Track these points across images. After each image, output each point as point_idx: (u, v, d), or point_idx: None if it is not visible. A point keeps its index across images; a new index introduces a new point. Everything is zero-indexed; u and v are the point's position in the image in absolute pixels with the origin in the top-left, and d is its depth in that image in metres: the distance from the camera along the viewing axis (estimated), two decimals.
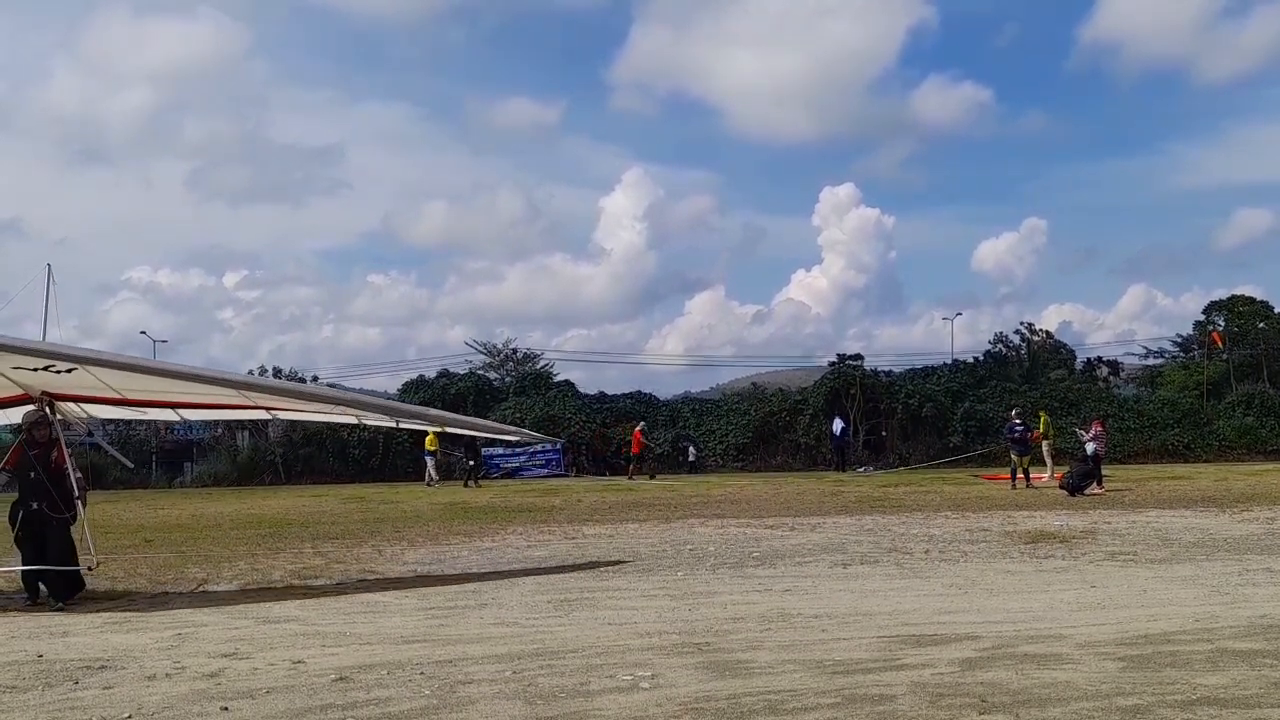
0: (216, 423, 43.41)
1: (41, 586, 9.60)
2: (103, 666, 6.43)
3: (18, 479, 9.79)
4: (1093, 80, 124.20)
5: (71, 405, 10.58)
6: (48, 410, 9.94)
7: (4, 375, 9.29)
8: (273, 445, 39.88)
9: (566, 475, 36.14)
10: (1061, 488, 20.67)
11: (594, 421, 40.03)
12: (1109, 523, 14.53)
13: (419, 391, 41.59)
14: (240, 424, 41.99)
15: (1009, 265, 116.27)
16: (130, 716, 5.22)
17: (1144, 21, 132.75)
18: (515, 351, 47.82)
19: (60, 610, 8.95)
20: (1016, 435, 23.02)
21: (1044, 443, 25.84)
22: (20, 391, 9.97)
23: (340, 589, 9.81)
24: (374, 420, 13.03)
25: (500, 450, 36.85)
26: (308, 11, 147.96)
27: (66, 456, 9.93)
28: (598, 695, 5.43)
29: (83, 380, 9.39)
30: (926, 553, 11.58)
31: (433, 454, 31.63)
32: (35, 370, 9.02)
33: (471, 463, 30.82)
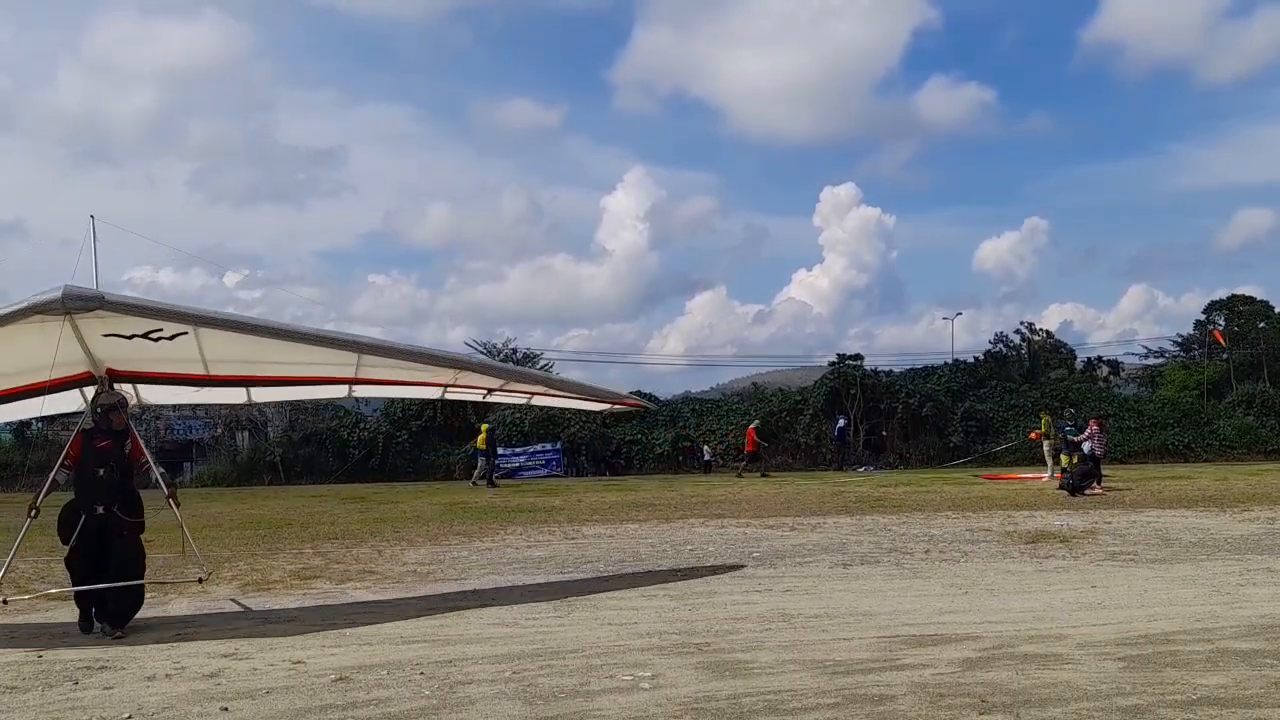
0: (216, 422, 43.47)
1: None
2: (103, 667, 6.44)
3: (79, 478, 7.98)
4: (1095, 81, 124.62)
5: (127, 385, 8.86)
6: (120, 391, 8.35)
7: (83, 346, 7.67)
8: (272, 445, 39.87)
9: (566, 475, 36.14)
10: (1061, 488, 20.66)
11: (593, 421, 40.00)
12: (1109, 522, 14.52)
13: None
14: (240, 424, 42.04)
15: (1010, 265, 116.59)
16: (130, 717, 5.23)
17: (1146, 22, 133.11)
18: (515, 351, 47.80)
19: (119, 639, 7.37)
20: (1064, 435, 22.65)
21: (1045, 443, 25.83)
22: (81, 370, 8.29)
23: (340, 589, 9.80)
24: (515, 394, 10.43)
25: (500, 451, 36.88)
26: (312, 13, 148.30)
27: (144, 449, 8.34)
28: (598, 695, 5.43)
29: (166, 352, 7.85)
30: (927, 553, 11.58)
31: (484, 452, 31.31)
32: (131, 338, 7.41)
33: (483, 460, 30.73)
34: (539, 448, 36.54)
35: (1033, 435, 28.29)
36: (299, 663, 6.37)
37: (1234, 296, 50.25)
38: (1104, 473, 21.57)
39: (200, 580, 8.76)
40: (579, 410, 12.14)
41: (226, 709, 5.34)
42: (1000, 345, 48.56)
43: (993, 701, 5.10)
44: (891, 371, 44.58)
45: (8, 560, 7.94)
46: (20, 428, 41.79)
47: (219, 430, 42.74)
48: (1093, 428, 22.23)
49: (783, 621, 7.61)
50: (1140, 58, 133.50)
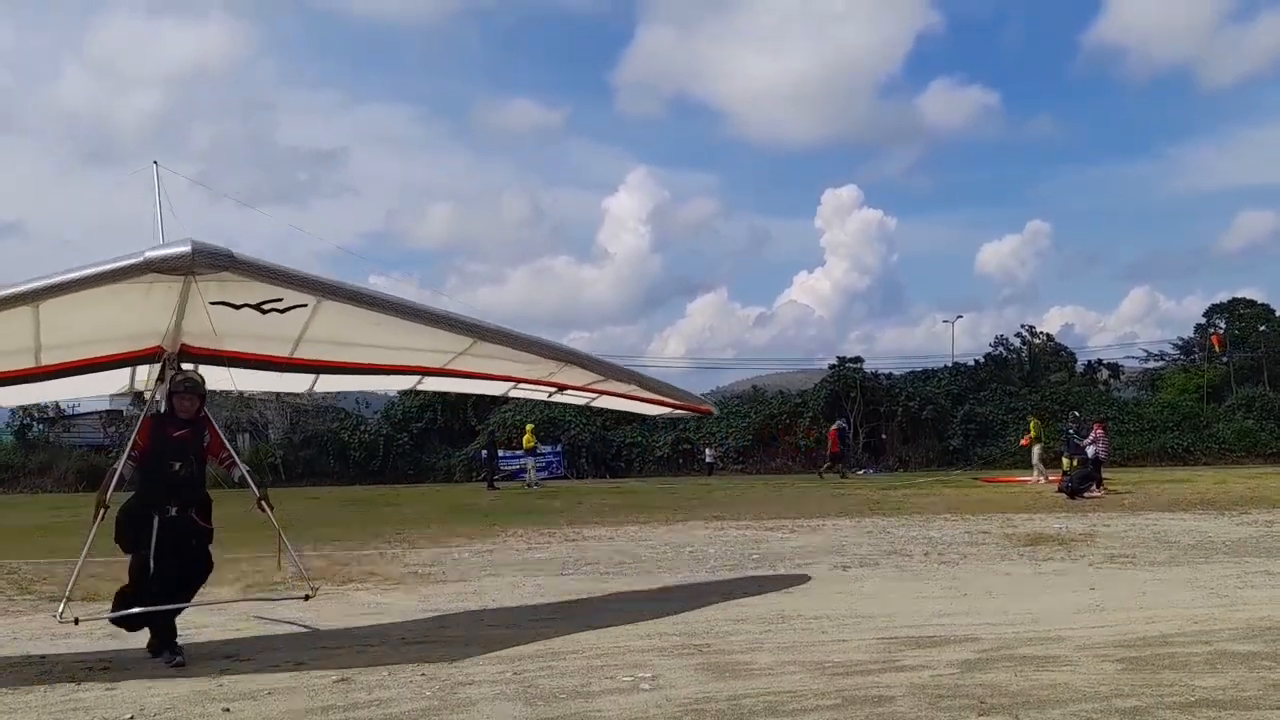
0: (217, 424, 43.48)
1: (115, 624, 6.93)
2: (105, 667, 6.46)
3: (147, 472, 6.81)
4: (1098, 84, 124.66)
5: (187, 365, 7.48)
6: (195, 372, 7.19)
7: (177, 314, 6.56)
8: (273, 447, 39.88)
9: (567, 478, 36.15)
10: (1061, 490, 20.68)
11: (594, 424, 40.03)
12: (1108, 525, 14.54)
13: (419, 394, 41.58)
14: (240, 426, 42.02)
15: (1011, 268, 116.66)
16: (132, 717, 5.24)
17: (1149, 26, 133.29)
18: None
19: (180, 665, 6.44)
20: (1068, 438, 22.61)
21: (1036, 446, 25.92)
22: (150, 344, 7.14)
23: (341, 591, 9.82)
24: (579, 394, 9.51)
25: (500, 453, 36.89)
26: (315, 14, 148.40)
27: (224, 441, 7.27)
28: (598, 696, 5.45)
29: (263, 327, 6.86)
30: (926, 555, 11.59)
31: (532, 453, 31.30)
32: (240, 308, 6.39)
33: (492, 465, 30.77)
34: (540, 450, 36.59)
35: (1024, 441, 28.31)
36: (300, 664, 6.38)
37: (1235, 300, 50.37)
38: (1104, 475, 21.61)
39: (306, 597, 7.40)
40: (634, 413, 10.81)
41: (228, 710, 5.36)
42: (1000, 348, 48.63)
43: (992, 703, 5.12)
44: (892, 375, 44.66)
45: (74, 574, 6.71)
46: (21, 429, 41.86)
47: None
48: (1097, 431, 22.29)
49: (782, 623, 7.63)
50: (1143, 61, 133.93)
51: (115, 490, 6.79)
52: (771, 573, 10.51)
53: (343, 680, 5.92)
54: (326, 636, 7.45)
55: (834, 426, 33.87)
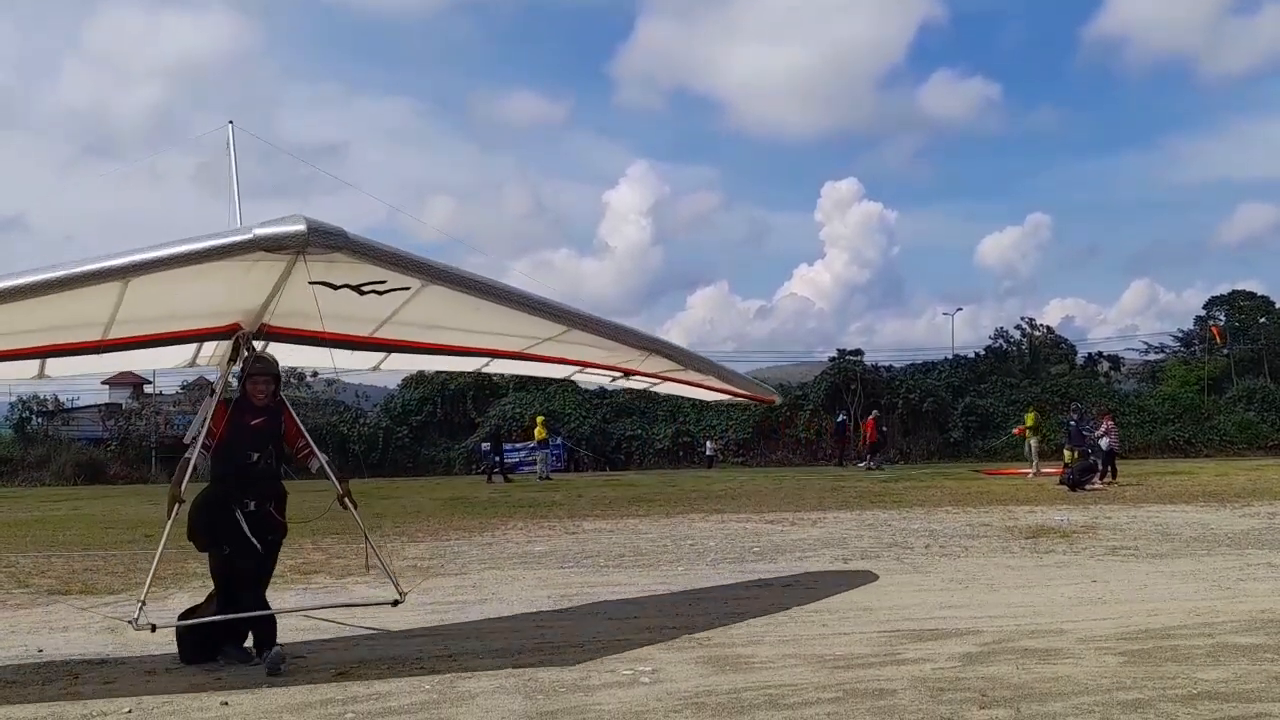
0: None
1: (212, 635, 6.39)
2: (103, 661, 6.44)
3: (222, 463, 6.32)
4: (1099, 76, 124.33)
5: (257, 343, 6.95)
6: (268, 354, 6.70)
7: (272, 294, 6.17)
8: None
9: (567, 471, 36.13)
10: (1062, 483, 20.67)
11: (594, 417, 40.01)
12: (1110, 518, 14.53)
13: (419, 387, 41.58)
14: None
15: (1012, 260, 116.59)
16: (131, 711, 5.23)
17: (1150, 18, 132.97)
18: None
19: (280, 672, 5.93)
20: (1071, 430, 22.53)
21: (1033, 439, 25.97)
22: (229, 321, 6.72)
23: (340, 584, 9.80)
24: (643, 379, 9.22)
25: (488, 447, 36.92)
26: (316, 7, 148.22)
27: (302, 429, 6.77)
28: (598, 690, 5.43)
29: (356, 308, 6.41)
30: (927, 548, 11.58)
31: (544, 445, 31.28)
32: (339, 288, 5.99)
33: (498, 457, 30.77)
34: (533, 444, 36.61)
35: (1017, 430, 28.39)
36: (300, 657, 6.36)
37: (1235, 292, 50.28)
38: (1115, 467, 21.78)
39: (395, 603, 6.73)
40: (693, 399, 10.25)
41: (227, 703, 5.34)
42: (1001, 341, 48.58)
43: (993, 696, 5.10)
44: (892, 367, 44.65)
45: (149, 576, 6.29)
46: (20, 422, 41.84)
47: None
48: (1108, 423, 22.32)
49: (783, 616, 7.61)
50: (1143, 53, 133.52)
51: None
52: (713, 558, 10.49)
53: (341, 674, 5.91)
54: (325, 630, 7.43)
55: (870, 416, 33.82)
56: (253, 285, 6.03)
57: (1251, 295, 49.81)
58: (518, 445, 36.74)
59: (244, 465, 6.29)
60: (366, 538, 6.91)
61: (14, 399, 42.37)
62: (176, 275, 5.35)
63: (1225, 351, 46.74)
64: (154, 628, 6.06)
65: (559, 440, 36.33)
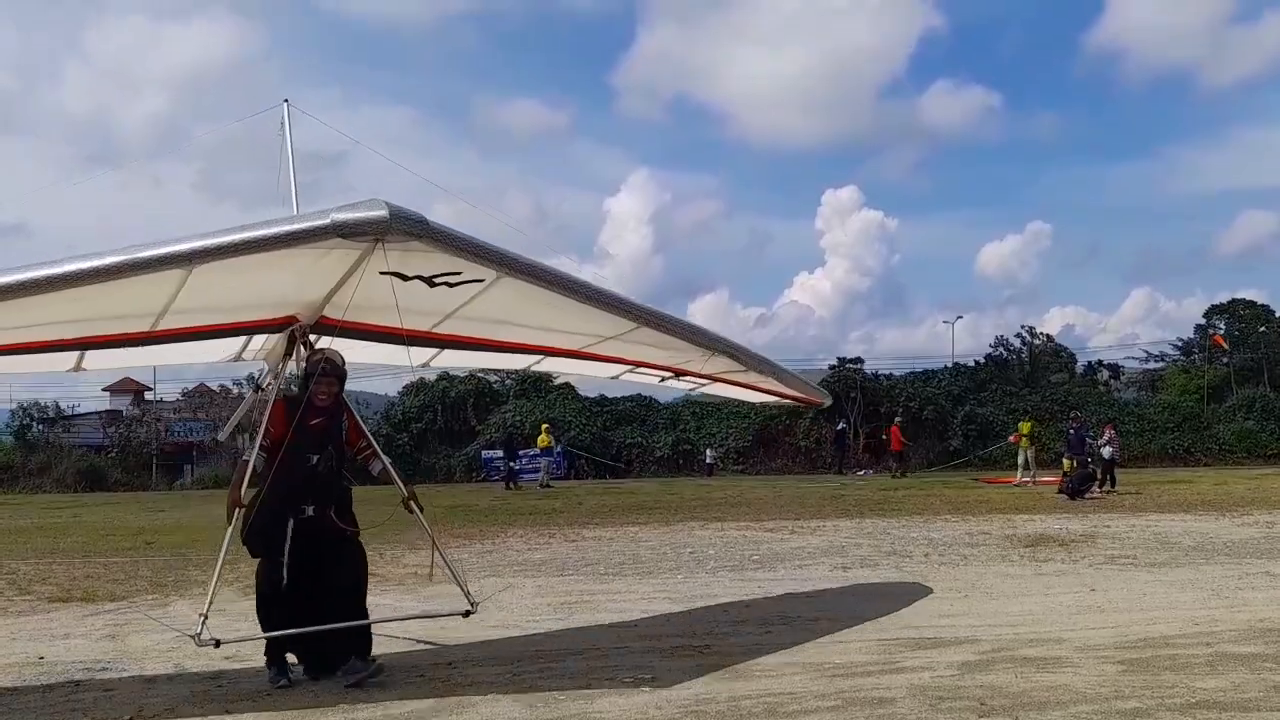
0: (217, 424, 43.43)
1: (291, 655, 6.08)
2: (104, 668, 6.45)
3: (280, 465, 5.93)
4: (1099, 85, 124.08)
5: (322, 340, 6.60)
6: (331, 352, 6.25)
7: (338, 284, 5.85)
8: None
9: (567, 478, 36.10)
10: (1061, 491, 20.68)
11: (594, 424, 40.02)
12: (1109, 526, 14.53)
13: (419, 394, 41.59)
14: (240, 427, 41.88)
15: (1012, 268, 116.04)
16: (132, 719, 5.24)
17: (1150, 27, 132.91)
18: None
19: (359, 684, 5.74)
20: (1070, 439, 22.46)
21: (1030, 449, 26.07)
22: (286, 313, 6.40)
23: None
24: (694, 379, 8.81)
25: (497, 454, 36.87)
26: (319, 15, 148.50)
27: (364, 429, 6.53)
28: (598, 698, 5.45)
29: (423, 301, 6.05)
30: (927, 556, 11.59)
31: (547, 452, 31.20)
32: (410, 279, 5.67)
33: (512, 464, 30.74)
34: (536, 451, 36.60)
35: (1012, 438, 28.47)
36: (299, 665, 6.36)
37: (1235, 300, 50.29)
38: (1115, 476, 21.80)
39: (467, 613, 6.46)
40: (739, 400, 9.55)
41: (228, 711, 5.35)
42: (1001, 349, 48.56)
43: (992, 704, 5.11)
44: (892, 375, 44.63)
45: (211, 586, 5.98)
46: (21, 429, 41.85)
47: (219, 432, 42.71)
48: (1109, 432, 22.35)
49: (782, 624, 7.62)
50: (1144, 61, 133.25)
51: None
52: (712, 566, 10.50)
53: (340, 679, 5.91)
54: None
55: (895, 422, 33.85)
56: (320, 275, 5.70)
57: (1251, 304, 49.81)
58: (520, 453, 36.73)
59: (303, 468, 5.91)
60: (435, 544, 6.62)
61: (14, 406, 42.43)
62: (245, 263, 5.01)
63: (1227, 360, 46.73)
64: (218, 643, 5.75)
65: (558, 448, 36.34)
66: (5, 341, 5.74)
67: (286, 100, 6.96)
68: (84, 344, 6.18)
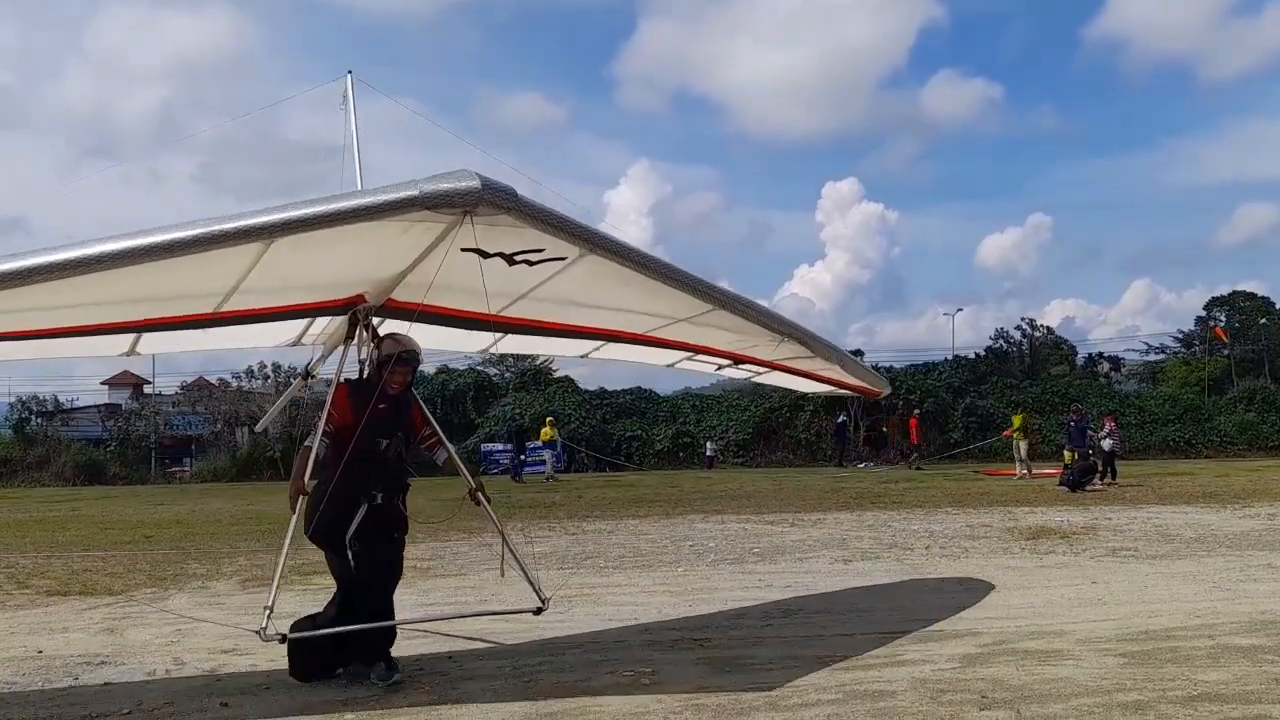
0: (216, 418, 43.45)
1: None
2: (102, 662, 6.43)
3: (346, 450, 5.68)
4: (1100, 77, 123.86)
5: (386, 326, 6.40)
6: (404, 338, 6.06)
7: (414, 261, 5.54)
8: (272, 441, 39.86)
9: (567, 472, 36.10)
10: (1062, 484, 20.67)
11: (594, 417, 40.01)
12: (1110, 519, 14.52)
13: (417, 387, 41.41)
14: (239, 420, 41.97)
15: (1013, 261, 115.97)
16: (130, 713, 5.22)
17: (1151, 18, 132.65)
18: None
19: (396, 684, 5.62)
20: (1071, 431, 22.42)
21: (1023, 442, 26.09)
22: (351, 293, 6.13)
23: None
24: (752, 367, 8.59)
25: (500, 446, 36.89)
26: (317, 10, 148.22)
27: (429, 416, 6.40)
28: (599, 692, 5.43)
29: (497, 280, 5.61)
30: (928, 549, 11.57)
31: (551, 445, 31.17)
32: (490, 257, 5.34)
33: (523, 456, 30.70)
34: (539, 444, 36.59)
35: (1006, 433, 28.52)
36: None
37: (1235, 293, 50.35)
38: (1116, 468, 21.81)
39: (538, 610, 6.31)
40: (785, 389, 10.25)
41: (226, 705, 5.34)
42: (1001, 341, 48.63)
43: (993, 697, 5.09)
44: (892, 368, 44.62)
45: (275, 579, 5.65)
46: (20, 423, 41.86)
47: (219, 426, 42.75)
48: (1109, 424, 22.34)
49: (783, 617, 7.61)
50: (1145, 53, 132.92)
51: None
52: (713, 559, 10.48)
53: (340, 675, 5.89)
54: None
55: (913, 414, 33.90)
56: (398, 251, 5.43)
57: (1252, 296, 49.88)
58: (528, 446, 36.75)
59: (371, 453, 5.70)
60: (504, 538, 6.39)
61: (13, 399, 42.44)
62: (324, 237, 4.74)
63: (1227, 352, 46.75)
64: (284, 638, 5.47)
65: (559, 441, 36.37)
66: (63, 323, 5.44)
67: (350, 72, 6.69)
68: (143, 326, 5.86)
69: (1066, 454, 21.97)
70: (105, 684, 5.86)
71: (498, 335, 7.37)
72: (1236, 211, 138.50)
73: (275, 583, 5.61)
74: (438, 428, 6.30)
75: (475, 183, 4.61)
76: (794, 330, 6.91)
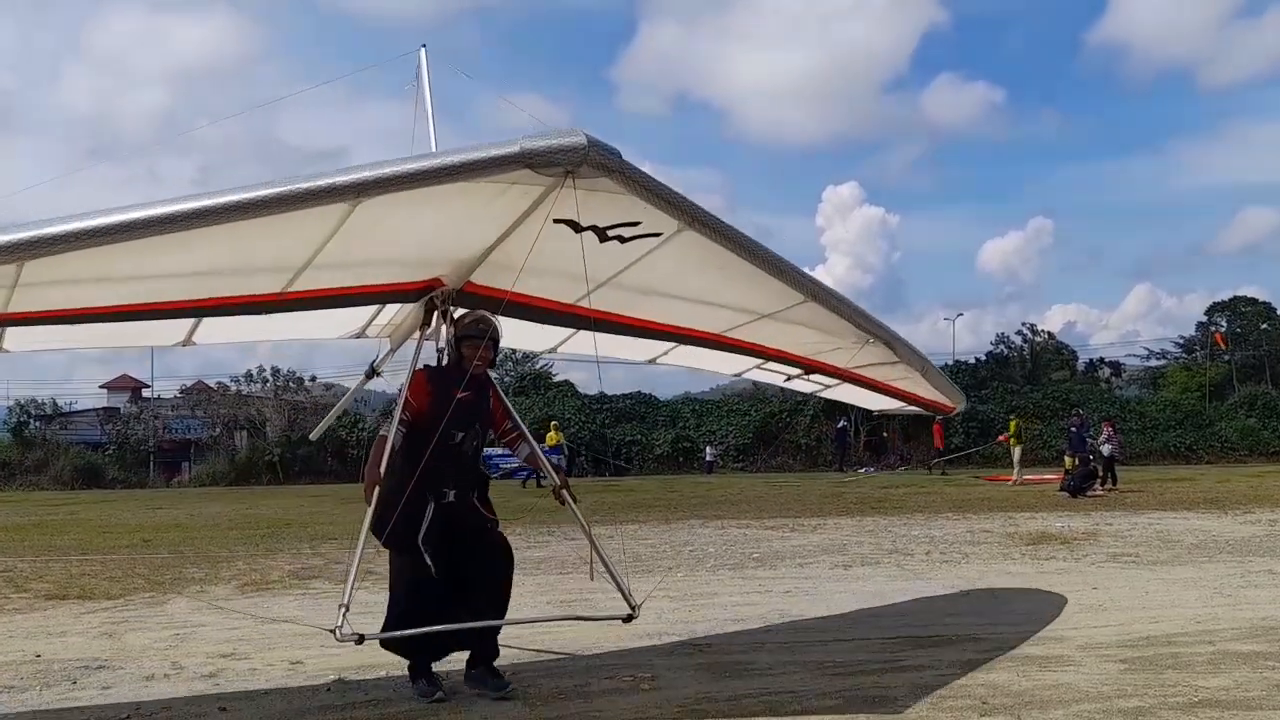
0: (214, 422, 43.46)
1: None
2: (100, 667, 6.41)
3: (421, 443, 5.28)
4: (1102, 81, 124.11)
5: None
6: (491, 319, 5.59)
7: (502, 234, 5.12)
8: (270, 445, 39.87)
9: (567, 476, 36.10)
10: (1063, 489, 20.66)
11: (594, 422, 40.03)
12: (1110, 524, 14.50)
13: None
14: (238, 424, 41.97)
15: (1014, 265, 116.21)
16: (129, 717, 5.21)
17: (1153, 23, 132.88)
18: (515, 351, 47.83)
19: (505, 695, 5.37)
20: (1072, 436, 22.38)
21: (1017, 448, 26.17)
22: (430, 275, 5.69)
23: (339, 589, 9.76)
24: (818, 382, 8.09)
25: (498, 451, 36.85)
26: (318, 13, 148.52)
27: (510, 408, 5.96)
28: (598, 697, 5.41)
29: (573, 262, 5.07)
30: (928, 554, 11.56)
31: (557, 449, 31.07)
32: (582, 230, 4.89)
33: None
34: (546, 448, 36.62)
35: (1000, 438, 28.62)
36: (298, 663, 6.34)
37: (1236, 298, 50.43)
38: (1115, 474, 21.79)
39: (629, 618, 5.81)
40: (853, 402, 8.73)
41: (224, 709, 5.32)
42: (1002, 346, 48.69)
43: (994, 703, 5.08)
44: None
45: (351, 575, 5.32)
46: (17, 426, 41.87)
47: (217, 430, 42.76)
48: (1108, 430, 22.36)
49: (783, 623, 7.59)
50: (1147, 58, 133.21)
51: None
52: (713, 564, 10.46)
53: (340, 680, 5.88)
54: (323, 635, 7.38)
55: (936, 420, 34.03)
56: (486, 221, 5.03)
57: (1253, 301, 49.94)
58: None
59: (447, 446, 5.29)
60: (592, 542, 6.05)
61: (11, 403, 42.47)
62: (413, 201, 4.41)
63: (1228, 357, 46.76)
64: (361, 639, 5.07)
65: (564, 445, 36.41)
66: (123, 301, 5.01)
67: (424, 45, 6.31)
68: (205, 308, 5.44)
69: (1067, 459, 21.97)
70: (104, 688, 5.84)
71: (569, 331, 6.84)
72: (1237, 216, 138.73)
73: (351, 580, 5.25)
74: (519, 420, 5.89)
75: (581, 139, 4.26)
76: (882, 331, 6.46)
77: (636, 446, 39.83)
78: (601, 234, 4.98)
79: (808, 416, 39.96)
